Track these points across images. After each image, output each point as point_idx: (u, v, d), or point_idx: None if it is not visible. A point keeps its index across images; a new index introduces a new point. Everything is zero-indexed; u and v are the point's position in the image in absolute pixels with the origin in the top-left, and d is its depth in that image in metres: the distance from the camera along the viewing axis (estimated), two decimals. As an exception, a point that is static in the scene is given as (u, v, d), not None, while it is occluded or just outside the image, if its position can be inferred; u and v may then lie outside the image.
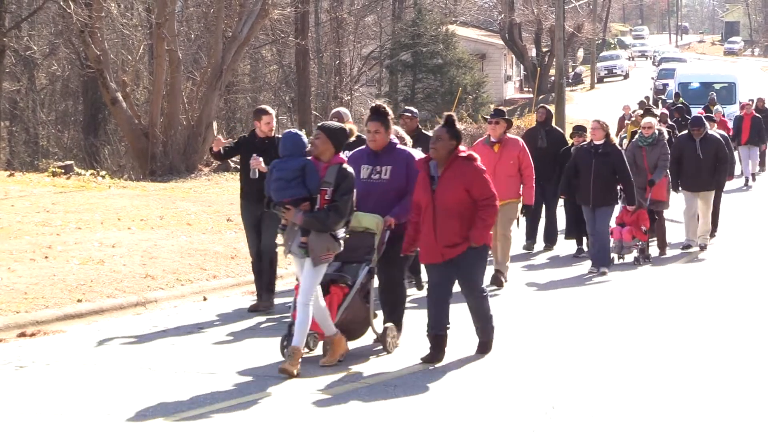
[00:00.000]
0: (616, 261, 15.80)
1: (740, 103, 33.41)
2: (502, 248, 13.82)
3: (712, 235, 18.07)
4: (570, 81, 64.84)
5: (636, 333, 10.94)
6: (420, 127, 13.95)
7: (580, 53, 79.52)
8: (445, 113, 10.07)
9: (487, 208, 9.55)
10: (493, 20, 68.11)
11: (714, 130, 18.19)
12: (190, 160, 31.22)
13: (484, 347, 9.81)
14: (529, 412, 7.88)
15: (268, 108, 12.85)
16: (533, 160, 14.38)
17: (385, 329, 9.93)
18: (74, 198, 20.69)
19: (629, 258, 16.14)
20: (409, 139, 11.26)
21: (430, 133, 12.08)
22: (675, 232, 17.65)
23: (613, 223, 15.79)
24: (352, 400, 8.34)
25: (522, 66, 67.70)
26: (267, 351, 10.15)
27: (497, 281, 13.71)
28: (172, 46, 30.98)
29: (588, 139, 15.83)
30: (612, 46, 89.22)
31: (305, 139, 9.51)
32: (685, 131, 17.57)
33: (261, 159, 11.82)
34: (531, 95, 55.06)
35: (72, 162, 30.01)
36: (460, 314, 10.05)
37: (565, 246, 17.27)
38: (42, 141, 40.75)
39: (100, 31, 30.60)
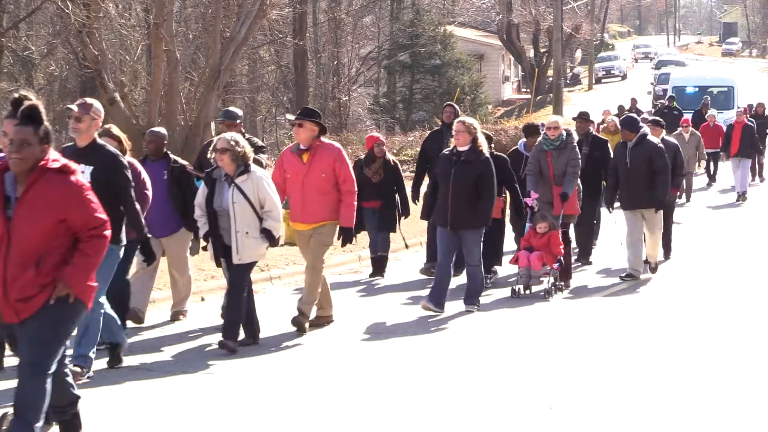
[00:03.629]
0: (522, 293, 13.22)
1: (738, 108, 30.86)
2: (309, 282, 11.20)
3: (666, 257, 15.84)
4: (568, 82, 64.86)
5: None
6: (243, 131, 11.74)
7: (578, 54, 79.51)
8: (15, 95, 6.99)
9: (92, 241, 6.60)
10: (491, 21, 68.05)
11: (664, 137, 15.43)
12: (188, 160, 31.18)
13: None
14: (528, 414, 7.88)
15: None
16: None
17: None
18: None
19: (539, 288, 13.36)
20: (250, 149, 10.32)
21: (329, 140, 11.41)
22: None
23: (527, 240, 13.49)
24: (346, 406, 8.34)
25: (520, 66, 67.67)
26: (266, 351, 10.16)
27: (298, 325, 10.99)
28: (170, 46, 30.96)
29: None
30: (610, 47, 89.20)
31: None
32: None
33: None
34: (529, 96, 55.07)
35: (70, 162, 29.95)
36: (458, 313, 10.06)
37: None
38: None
39: (98, 32, 30.56)
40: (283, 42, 44.60)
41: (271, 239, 10.28)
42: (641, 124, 14.65)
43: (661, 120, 16.48)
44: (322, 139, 11.22)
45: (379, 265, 15.16)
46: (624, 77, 73.87)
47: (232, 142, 10.12)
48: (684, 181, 23.46)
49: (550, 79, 53.02)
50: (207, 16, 37.21)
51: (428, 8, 53.22)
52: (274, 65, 49.67)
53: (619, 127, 14.88)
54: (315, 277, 11.17)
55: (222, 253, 10.39)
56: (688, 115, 29.85)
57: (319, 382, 9.02)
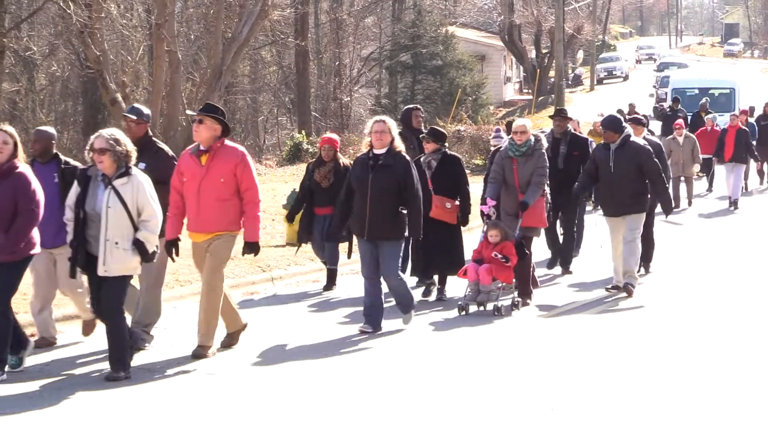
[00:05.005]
0: (470, 311, 12.10)
1: (732, 112, 29.32)
2: (206, 308, 9.91)
3: (647, 270, 14.63)
4: (569, 82, 64.85)
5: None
6: (150, 133, 10.65)
7: (580, 55, 79.50)
8: None
9: None
10: (493, 22, 68.08)
11: (646, 137, 14.56)
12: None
13: None
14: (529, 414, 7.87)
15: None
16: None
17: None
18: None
19: (492, 306, 12.08)
20: (132, 148, 9.21)
21: (165, 146, 10.53)
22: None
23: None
24: (347, 407, 8.34)
25: (522, 67, 67.69)
26: (266, 351, 10.15)
27: (200, 357, 9.84)
28: (171, 46, 30.99)
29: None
30: (612, 47, 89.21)
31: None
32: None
33: None
34: (531, 97, 55.07)
35: (71, 163, 29.95)
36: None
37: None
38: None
39: (99, 32, 30.59)
40: (285, 42, 44.62)
41: (144, 253, 9.08)
42: (624, 124, 13.51)
43: (642, 119, 15.44)
44: (226, 141, 9.99)
45: (330, 277, 14.09)
46: (626, 78, 73.87)
47: (112, 141, 8.99)
48: (682, 186, 22.96)
49: (552, 79, 53.02)
50: (209, 16, 37.23)
51: (430, 9, 53.23)
52: (276, 66, 49.69)
53: (601, 128, 13.63)
54: (213, 300, 9.87)
55: (83, 263, 9.09)
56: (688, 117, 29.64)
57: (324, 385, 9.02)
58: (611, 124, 13.21)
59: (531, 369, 9.35)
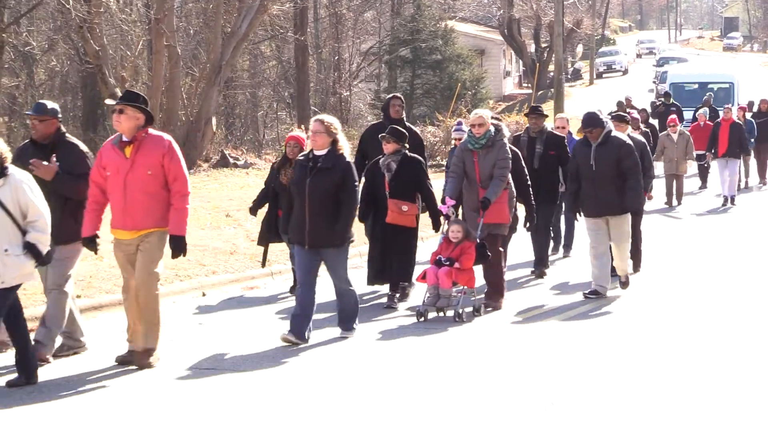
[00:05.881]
0: (429, 317, 11.28)
1: (738, 105, 28.76)
2: (145, 308, 9.34)
3: (636, 270, 13.98)
4: (569, 77, 64.83)
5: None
6: (63, 129, 9.88)
7: (579, 49, 79.52)
8: None
9: None
10: (492, 16, 68.06)
11: (630, 133, 14.02)
12: (189, 156, 31.14)
13: None
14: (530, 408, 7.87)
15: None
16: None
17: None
18: (73, 194, 20.64)
19: (454, 312, 11.24)
20: (4, 149, 8.63)
21: (77, 140, 9.84)
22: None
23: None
24: (346, 402, 8.34)
25: (521, 62, 67.69)
26: (266, 346, 10.16)
27: (147, 366, 9.31)
28: (171, 41, 30.99)
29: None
30: (611, 41, 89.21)
31: None
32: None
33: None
34: (530, 91, 55.04)
35: (71, 158, 29.95)
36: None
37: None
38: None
39: (99, 27, 30.58)
40: (284, 37, 44.59)
41: (37, 255, 8.61)
42: (605, 119, 12.83)
43: (625, 115, 14.76)
44: (150, 130, 9.34)
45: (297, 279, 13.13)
46: (625, 72, 73.89)
47: None
48: (675, 184, 22.26)
49: (551, 74, 52.91)
50: (208, 11, 37.22)
51: (429, 3, 53.17)
52: (275, 60, 49.67)
53: (581, 124, 12.73)
54: (151, 302, 9.27)
55: None
56: (688, 113, 29.29)
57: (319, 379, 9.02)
58: (591, 121, 12.43)
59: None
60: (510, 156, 11.93)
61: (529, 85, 60.05)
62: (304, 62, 42.24)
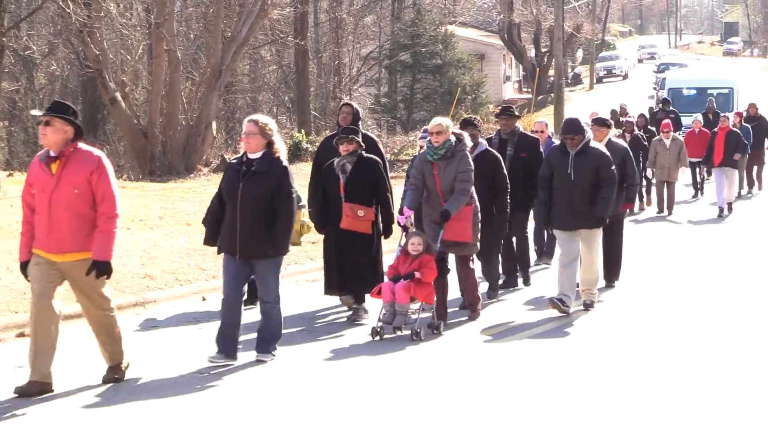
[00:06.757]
0: (384, 335, 10.47)
1: (734, 111, 27.79)
2: (104, 333, 8.78)
3: (611, 285, 13.27)
4: (569, 81, 64.88)
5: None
6: None
7: (579, 53, 79.57)
8: None
9: None
10: (492, 20, 68.14)
11: (613, 140, 13.25)
12: (190, 160, 31.27)
13: None
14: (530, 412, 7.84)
15: None
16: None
17: None
18: (73, 198, 20.62)
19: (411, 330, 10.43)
20: None
21: None
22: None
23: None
24: (348, 404, 8.33)
25: (521, 66, 67.73)
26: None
27: (115, 380, 8.88)
28: (171, 46, 31.01)
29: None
30: (611, 46, 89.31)
31: None
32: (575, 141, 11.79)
33: None
34: (530, 95, 55.09)
35: (71, 162, 29.99)
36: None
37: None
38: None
39: (99, 31, 30.62)
40: (285, 42, 44.64)
41: None
42: (586, 127, 12.10)
43: (607, 120, 13.92)
44: (80, 144, 8.51)
45: (252, 290, 12.42)
46: (625, 77, 73.93)
47: None
48: (665, 191, 21.41)
49: (551, 78, 52.99)
50: (208, 15, 37.25)
51: (429, 8, 53.28)
52: (276, 65, 49.72)
53: (561, 130, 12.01)
54: (108, 322, 8.73)
55: None
56: (687, 119, 28.84)
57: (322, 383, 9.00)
58: (573, 127, 11.75)
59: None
60: (472, 168, 11.08)
61: (529, 89, 60.08)
62: (305, 67, 42.28)
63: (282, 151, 9.49)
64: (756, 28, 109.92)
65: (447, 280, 11.12)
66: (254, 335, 9.67)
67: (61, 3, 30.31)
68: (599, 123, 13.48)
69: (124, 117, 31.39)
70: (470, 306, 11.52)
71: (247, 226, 9.22)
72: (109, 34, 35.93)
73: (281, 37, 44.29)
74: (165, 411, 8.04)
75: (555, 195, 11.76)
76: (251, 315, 10.41)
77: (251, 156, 9.34)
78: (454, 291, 11.77)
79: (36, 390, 8.40)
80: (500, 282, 13.00)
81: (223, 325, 9.41)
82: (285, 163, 9.44)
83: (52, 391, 8.45)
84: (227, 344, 9.35)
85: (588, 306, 11.85)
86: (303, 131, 36.68)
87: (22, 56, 39.99)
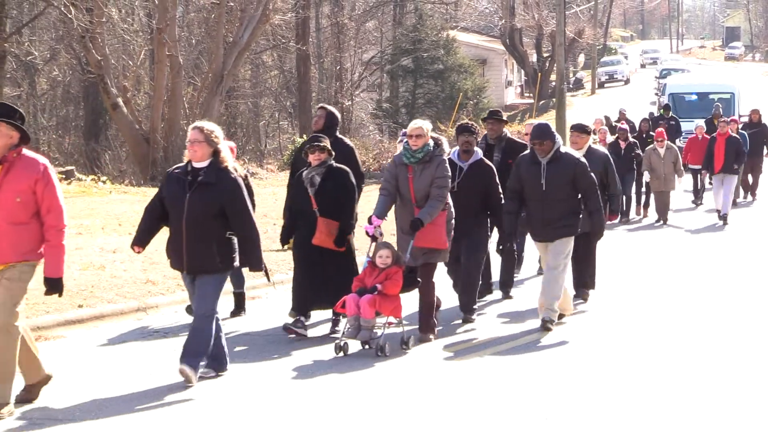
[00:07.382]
0: (349, 351, 9.98)
1: (731, 118, 26.82)
2: (2, 352, 7.88)
3: (584, 296, 12.68)
4: (571, 86, 64.89)
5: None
6: None
7: (581, 58, 79.62)
8: None
9: None
10: (494, 25, 68.17)
11: (592, 146, 12.87)
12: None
13: None
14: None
15: None
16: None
17: None
18: (75, 203, 20.68)
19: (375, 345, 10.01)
20: None
21: None
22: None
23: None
24: (351, 414, 8.33)
25: (523, 71, 67.79)
26: (267, 353, 10.13)
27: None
28: (173, 51, 31.02)
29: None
30: (613, 51, 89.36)
31: None
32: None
33: None
34: (532, 100, 55.10)
35: (73, 167, 30.07)
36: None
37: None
38: (43, 146, 40.73)
39: (101, 37, 30.66)
40: (286, 47, 44.69)
41: None
42: (556, 133, 11.25)
43: (587, 126, 13.29)
44: (24, 151, 7.99)
45: (238, 302, 12.48)
46: (627, 82, 73.97)
47: None
48: (660, 200, 21.19)
49: (553, 83, 53.04)
50: (210, 21, 37.30)
51: (431, 13, 53.30)
52: (277, 70, 49.77)
53: (530, 138, 11.23)
54: (9, 345, 7.87)
55: None
56: (689, 125, 28.69)
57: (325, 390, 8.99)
58: (542, 132, 10.99)
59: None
60: (449, 174, 10.61)
61: (531, 94, 60.09)
62: (306, 72, 42.32)
63: (229, 160, 8.86)
64: (757, 33, 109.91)
65: (432, 288, 10.61)
66: (239, 347, 9.58)
67: (62, 9, 30.35)
68: (579, 129, 12.92)
69: (125, 122, 31.42)
70: (421, 329, 10.59)
71: (194, 240, 8.66)
72: (110, 39, 35.98)
73: (283, 42, 44.34)
74: (160, 416, 8.07)
75: (528, 206, 11.11)
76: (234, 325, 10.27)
77: (196, 165, 8.73)
78: (451, 300, 11.72)
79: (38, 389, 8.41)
80: (493, 283, 12.91)
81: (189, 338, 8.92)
82: (234, 174, 8.80)
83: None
84: (214, 358, 9.02)
85: (547, 323, 10.90)
86: (305, 136, 36.71)
87: (24, 62, 40.03)
